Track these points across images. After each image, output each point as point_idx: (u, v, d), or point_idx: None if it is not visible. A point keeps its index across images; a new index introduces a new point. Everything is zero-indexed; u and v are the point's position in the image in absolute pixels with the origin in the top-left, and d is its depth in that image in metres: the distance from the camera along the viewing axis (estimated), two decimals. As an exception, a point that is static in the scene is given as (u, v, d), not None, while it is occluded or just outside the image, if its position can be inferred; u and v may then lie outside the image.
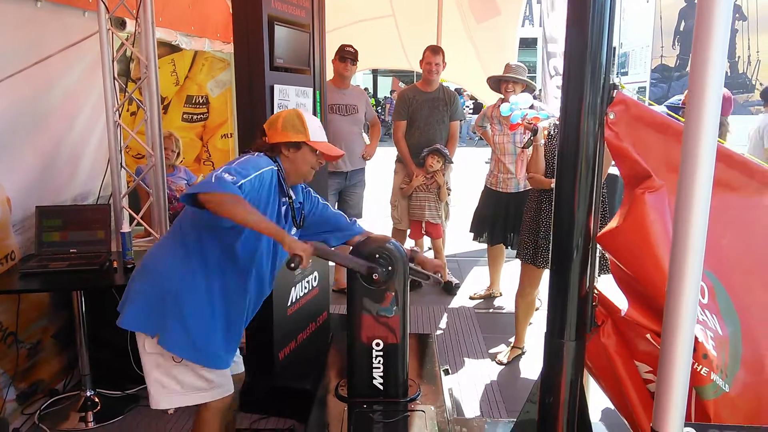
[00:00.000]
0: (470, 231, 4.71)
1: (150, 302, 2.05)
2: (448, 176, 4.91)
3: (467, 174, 8.84)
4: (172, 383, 2.08)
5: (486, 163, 12.67)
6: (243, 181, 1.95)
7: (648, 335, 1.93)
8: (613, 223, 2.01)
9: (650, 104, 2.09)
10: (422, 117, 4.76)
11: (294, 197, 2.29)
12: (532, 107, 3.58)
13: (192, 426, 2.28)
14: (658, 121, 1.98)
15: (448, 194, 4.82)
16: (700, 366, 1.85)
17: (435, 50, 4.74)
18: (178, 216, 2.19)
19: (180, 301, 2.03)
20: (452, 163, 4.85)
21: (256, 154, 2.16)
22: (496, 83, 4.44)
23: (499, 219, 4.47)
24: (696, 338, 1.82)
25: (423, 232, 4.85)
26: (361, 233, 2.46)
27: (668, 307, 1.51)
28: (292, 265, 1.91)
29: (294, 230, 2.30)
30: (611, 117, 1.90)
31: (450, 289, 4.96)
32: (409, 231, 4.93)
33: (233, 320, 2.16)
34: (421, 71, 4.87)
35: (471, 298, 4.81)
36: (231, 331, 2.16)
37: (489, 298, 4.81)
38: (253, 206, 1.97)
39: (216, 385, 2.14)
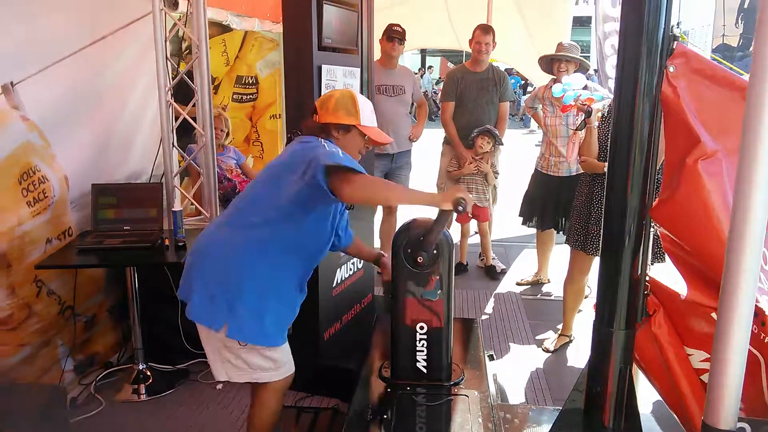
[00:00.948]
0: (519, 215, 4.63)
1: (214, 295, 2.06)
2: (497, 158, 4.83)
3: (516, 157, 8.69)
4: (241, 363, 2.13)
5: (536, 146, 12.44)
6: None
7: (713, 314, 1.86)
8: (664, 195, 1.94)
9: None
10: (471, 98, 4.68)
11: None
12: (585, 88, 3.47)
13: (251, 406, 2.33)
14: (720, 75, 1.87)
15: (496, 177, 4.74)
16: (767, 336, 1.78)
17: (485, 29, 4.64)
18: (237, 203, 2.19)
19: (243, 290, 2.05)
20: (502, 144, 4.76)
21: (324, 142, 2.12)
22: (548, 63, 4.32)
23: (549, 203, 4.37)
24: (761, 309, 1.75)
25: (470, 215, 4.78)
26: (353, 238, 2.54)
27: (725, 282, 1.44)
28: (460, 208, 1.98)
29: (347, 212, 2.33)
30: (671, 70, 1.81)
31: (494, 274, 4.91)
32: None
33: (293, 302, 2.22)
34: (470, 51, 4.79)
35: (518, 284, 4.75)
36: (292, 311, 2.22)
37: (536, 284, 4.74)
38: None
39: (281, 365, 2.19)
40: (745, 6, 8.46)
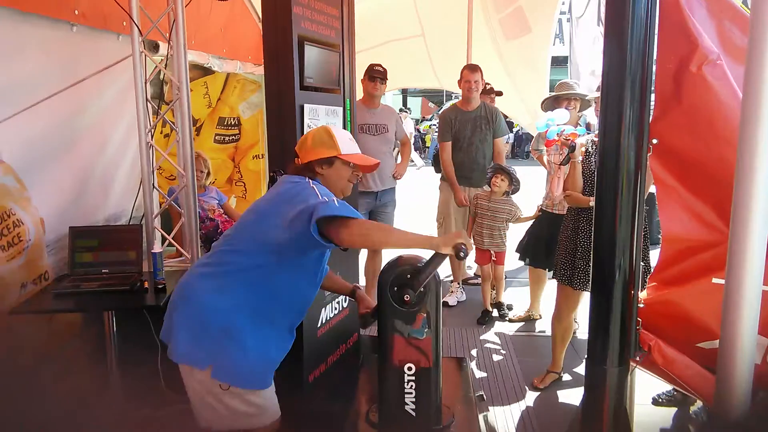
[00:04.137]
0: (516, 251, 4.58)
1: (199, 335, 2.02)
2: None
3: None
4: (223, 408, 2.04)
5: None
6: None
7: (714, 279, 1.81)
8: (664, 109, 1.89)
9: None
10: (465, 137, 4.75)
11: None
12: (588, 126, 3.49)
13: None
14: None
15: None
16: None
17: (472, 68, 4.72)
18: (222, 245, 2.14)
19: (229, 332, 2.01)
20: (518, 184, 4.56)
21: (312, 183, 2.08)
22: (551, 104, 4.30)
23: (550, 243, 4.30)
24: None
25: (493, 259, 4.64)
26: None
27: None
28: (461, 254, 1.85)
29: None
30: None
31: (502, 310, 4.73)
32: (475, 256, 4.77)
33: (281, 344, 2.16)
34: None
35: (510, 320, 4.67)
36: (280, 352, 2.16)
37: (528, 320, 4.66)
38: None
39: (264, 410, 2.10)
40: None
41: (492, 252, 4.59)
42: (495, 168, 4.48)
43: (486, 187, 4.67)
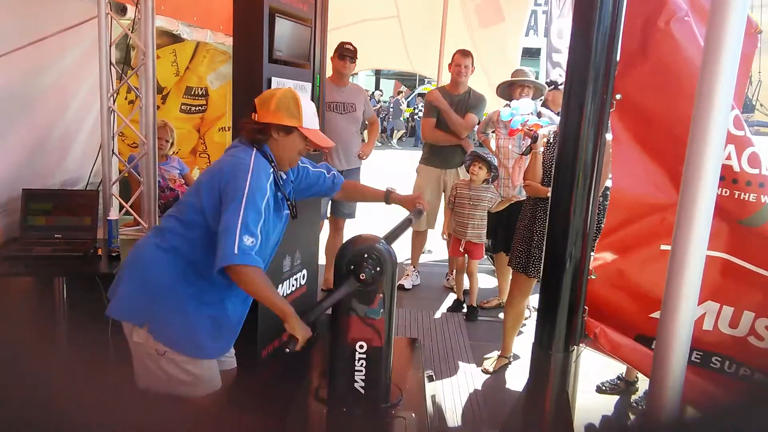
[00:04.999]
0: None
1: (138, 293, 2.02)
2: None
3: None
4: (160, 373, 2.04)
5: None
6: (258, 238, 1.93)
7: (662, 246, 1.82)
8: (629, 63, 1.89)
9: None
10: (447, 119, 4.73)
11: (285, 177, 2.26)
12: (539, 115, 3.53)
13: None
14: None
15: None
16: (746, 194, 1.75)
17: (464, 53, 4.72)
18: (175, 213, 2.13)
19: (168, 293, 2.01)
20: (497, 171, 4.39)
21: (253, 155, 2.07)
22: (506, 90, 4.36)
23: (502, 226, 4.35)
24: (731, 168, 1.74)
25: (462, 249, 4.46)
26: (342, 183, 2.61)
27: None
28: (288, 348, 1.94)
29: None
30: None
31: (474, 315, 4.50)
32: (449, 245, 4.67)
33: (225, 312, 2.13)
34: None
35: (481, 307, 4.64)
36: (223, 322, 2.13)
37: (500, 307, 4.59)
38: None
39: (200, 381, 2.09)
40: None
41: (463, 241, 4.40)
42: (473, 156, 4.38)
43: (465, 176, 4.55)
